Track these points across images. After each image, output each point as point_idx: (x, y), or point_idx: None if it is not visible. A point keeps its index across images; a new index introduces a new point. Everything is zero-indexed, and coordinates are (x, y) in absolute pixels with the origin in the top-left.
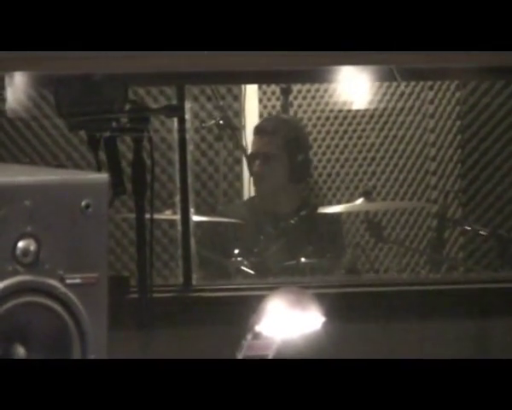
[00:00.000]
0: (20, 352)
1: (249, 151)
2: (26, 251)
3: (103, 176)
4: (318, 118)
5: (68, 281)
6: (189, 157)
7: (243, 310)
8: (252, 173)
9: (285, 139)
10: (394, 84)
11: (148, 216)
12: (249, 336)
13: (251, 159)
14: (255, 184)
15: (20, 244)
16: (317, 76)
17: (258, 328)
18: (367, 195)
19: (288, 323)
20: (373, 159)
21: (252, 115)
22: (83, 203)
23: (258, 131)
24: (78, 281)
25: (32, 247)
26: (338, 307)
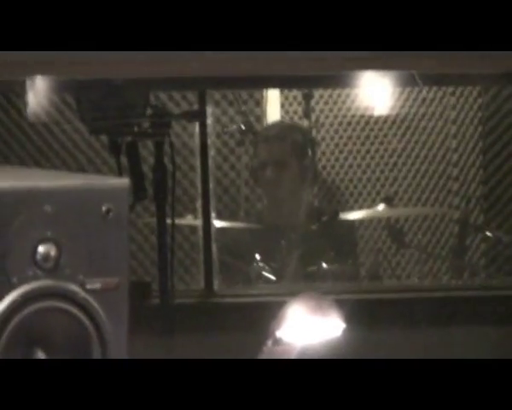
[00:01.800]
0: (41, 357)
1: (259, 159)
2: (46, 256)
3: (124, 181)
4: (340, 123)
5: (88, 286)
6: (210, 162)
7: (264, 316)
8: (263, 181)
9: (294, 145)
10: (416, 89)
11: (169, 221)
12: (269, 342)
13: (261, 166)
14: (269, 191)
15: (41, 249)
16: (339, 81)
17: (278, 334)
18: (388, 201)
19: (308, 329)
20: (395, 164)
21: (274, 120)
22: (103, 208)
23: (266, 138)
24: (98, 286)
25: (53, 252)
26: (359, 314)
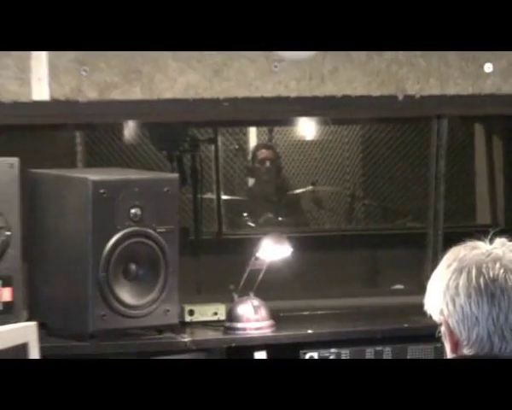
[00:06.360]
0: (133, 268)
1: (258, 158)
2: (135, 214)
3: (175, 175)
4: (288, 145)
5: (158, 230)
6: (220, 164)
7: (250, 246)
8: (261, 171)
9: (274, 153)
10: (327, 126)
11: (199, 196)
12: (253, 259)
13: (260, 162)
14: (263, 177)
15: (132, 211)
16: (286, 122)
17: (257, 254)
18: (314, 183)
19: (273, 252)
20: (317, 166)
21: (253, 143)
22: (165, 189)
23: (263, 146)
24: (163, 230)
25: (139, 212)
26: (298, 244)
